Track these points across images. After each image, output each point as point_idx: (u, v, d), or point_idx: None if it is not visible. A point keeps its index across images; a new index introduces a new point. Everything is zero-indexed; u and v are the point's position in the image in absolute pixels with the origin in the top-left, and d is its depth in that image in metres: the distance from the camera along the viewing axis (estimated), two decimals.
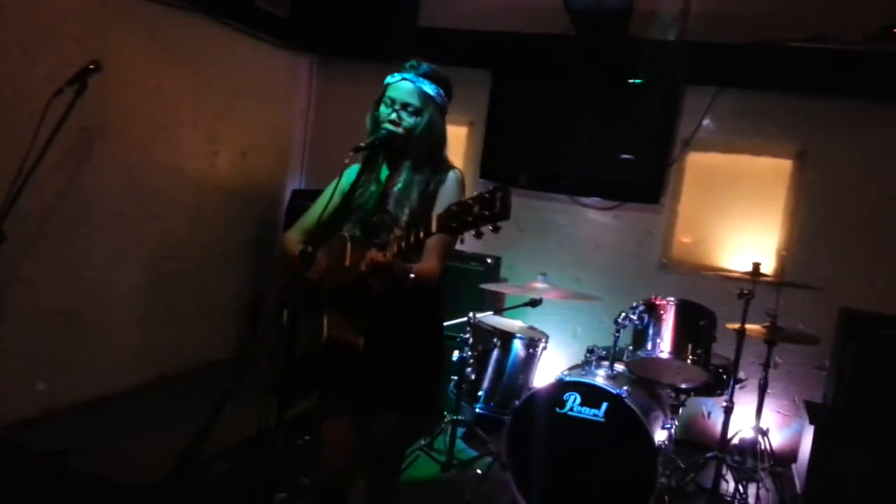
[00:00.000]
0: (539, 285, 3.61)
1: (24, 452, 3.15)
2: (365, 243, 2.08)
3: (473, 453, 3.81)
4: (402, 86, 2.19)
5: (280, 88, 5.16)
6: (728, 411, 3.41)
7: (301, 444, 3.09)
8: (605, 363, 3.43)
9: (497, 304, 4.45)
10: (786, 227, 4.36)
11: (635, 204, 4.63)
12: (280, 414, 1.93)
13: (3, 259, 2.78)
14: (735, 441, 3.80)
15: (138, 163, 3.97)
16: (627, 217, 4.67)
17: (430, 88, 2.19)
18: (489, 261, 4.47)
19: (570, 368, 3.52)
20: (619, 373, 3.39)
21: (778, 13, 4.24)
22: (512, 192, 1.70)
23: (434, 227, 1.78)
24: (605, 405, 3.10)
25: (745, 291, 3.41)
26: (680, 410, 3.61)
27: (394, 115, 2.18)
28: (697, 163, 4.55)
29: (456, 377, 3.60)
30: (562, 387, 3.18)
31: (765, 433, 3.69)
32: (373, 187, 2.24)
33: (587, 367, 3.43)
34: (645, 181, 4.55)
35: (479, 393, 3.63)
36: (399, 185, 2.20)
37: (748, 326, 3.43)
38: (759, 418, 3.64)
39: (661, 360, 3.32)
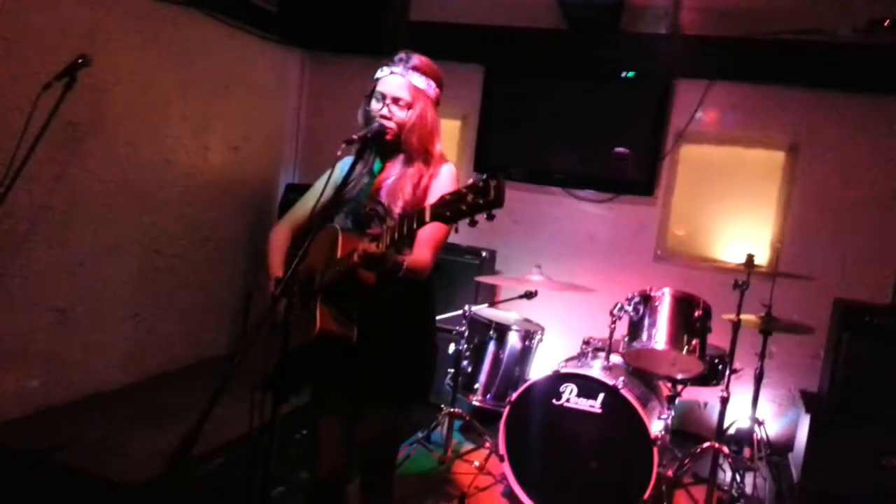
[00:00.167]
0: (534, 277, 3.61)
1: (16, 450, 3.13)
2: (357, 234, 2.07)
3: (470, 445, 3.81)
4: (392, 80, 2.18)
5: (271, 83, 5.14)
6: (724, 401, 3.42)
7: (298, 438, 3.08)
8: (601, 354, 3.43)
9: (492, 297, 4.45)
10: (779, 218, 4.37)
11: (629, 196, 4.64)
12: (275, 408, 1.92)
13: None
14: (731, 431, 3.81)
15: (129, 158, 3.94)
16: (622, 209, 4.68)
17: (419, 81, 2.18)
18: (484, 254, 4.47)
19: (567, 360, 3.52)
20: (615, 364, 3.39)
21: (768, 6, 4.25)
22: (506, 184, 1.69)
23: (427, 217, 1.76)
24: (601, 396, 3.11)
25: (740, 282, 3.42)
26: (676, 401, 3.61)
27: (385, 110, 2.17)
28: (691, 155, 4.57)
29: (452, 370, 3.59)
30: (558, 378, 3.18)
31: (761, 423, 3.71)
32: (365, 180, 2.23)
33: (583, 359, 3.43)
34: (639, 174, 4.56)
35: (476, 385, 3.62)
36: (392, 179, 2.19)
37: (743, 317, 3.44)
38: (755, 408, 3.65)
39: (656, 350, 3.32)
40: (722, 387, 3.44)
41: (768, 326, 3.50)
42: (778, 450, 4.09)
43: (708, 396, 4.31)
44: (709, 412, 4.34)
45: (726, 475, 3.52)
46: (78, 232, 3.71)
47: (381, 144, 2.20)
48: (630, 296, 3.45)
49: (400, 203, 2.13)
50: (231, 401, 1.84)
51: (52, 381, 3.67)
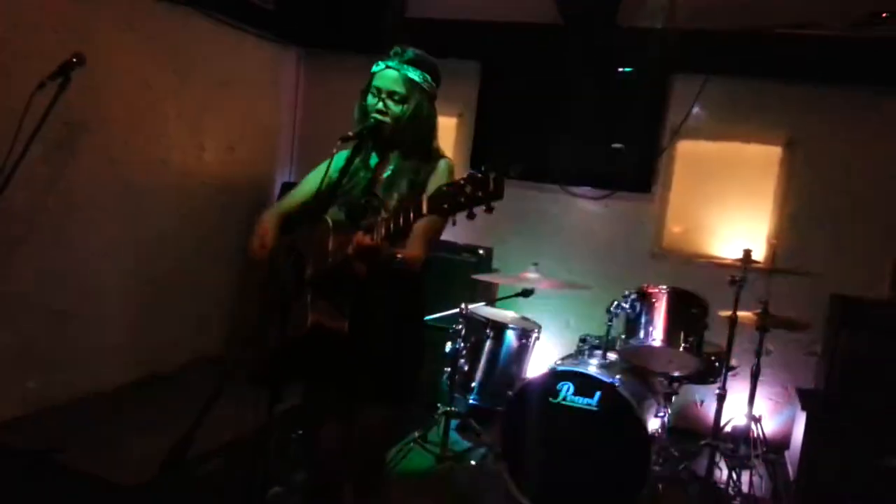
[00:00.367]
0: (531, 275, 3.60)
1: (14, 450, 3.12)
2: (350, 227, 2.05)
3: (467, 445, 3.81)
4: (387, 74, 2.17)
5: (267, 81, 5.12)
6: (721, 399, 3.42)
7: (295, 438, 3.07)
8: (598, 352, 3.43)
9: (489, 295, 4.44)
10: (776, 214, 4.37)
11: (626, 193, 4.63)
12: (271, 408, 1.91)
13: None
14: (728, 429, 3.81)
15: (124, 157, 3.93)
16: (618, 206, 4.67)
17: (415, 75, 2.17)
18: (481, 251, 4.46)
19: (563, 358, 3.52)
20: (611, 361, 3.39)
21: (765, 0, 4.23)
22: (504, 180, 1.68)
23: (425, 208, 1.75)
24: (598, 394, 3.10)
25: (737, 278, 3.41)
26: (673, 398, 3.61)
27: (380, 105, 2.16)
28: (687, 151, 4.55)
29: (449, 368, 3.58)
30: (555, 376, 3.18)
31: (757, 420, 3.71)
32: (361, 174, 2.22)
33: (580, 357, 3.43)
34: (635, 170, 4.55)
35: (473, 384, 3.62)
36: (388, 173, 2.18)
37: (740, 314, 3.43)
38: (752, 405, 3.65)
39: (653, 348, 3.32)
40: (719, 384, 3.45)
41: (765, 323, 3.50)
42: (774, 447, 4.08)
43: (704, 394, 4.32)
44: (705, 410, 4.34)
45: (723, 473, 3.52)
46: (74, 232, 3.70)
47: (378, 139, 2.19)
48: (627, 293, 3.45)
49: (395, 197, 2.12)
50: (227, 401, 1.84)
51: (49, 382, 3.67)
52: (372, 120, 2.14)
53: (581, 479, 3.09)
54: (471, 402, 3.63)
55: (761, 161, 4.42)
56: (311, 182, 2.26)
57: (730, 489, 3.41)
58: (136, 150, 4.01)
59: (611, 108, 4.57)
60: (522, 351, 3.66)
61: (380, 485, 2.32)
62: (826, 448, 3.50)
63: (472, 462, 3.50)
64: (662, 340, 3.29)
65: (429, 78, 2.22)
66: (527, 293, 3.62)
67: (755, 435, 3.66)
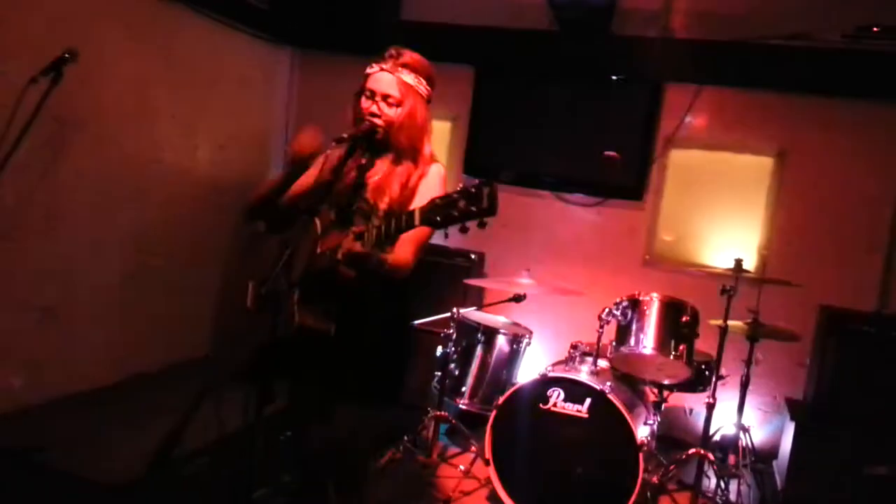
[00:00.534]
0: (523, 281, 3.59)
1: None
2: (339, 230, 2.04)
3: (456, 449, 3.80)
4: (382, 77, 2.17)
5: (260, 81, 5.10)
6: (710, 408, 3.42)
7: (282, 439, 3.05)
8: (589, 359, 3.42)
9: (481, 300, 4.43)
10: (767, 224, 4.38)
11: (618, 200, 4.64)
12: (260, 409, 1.90)
13: None
14: (717, 437, 3.82)
15: (115, 155, 3.90)
16: (610, 213, 4.68)
17: (409, 78, 2.17)
18: (473, 256, 4.46)
19: (554, 364, 3.51)
20: (602, 368, 3.38)
21: (758, 11, 4.26)
22: (497, 188, 1.67)
23: (417, 220, 1.74)
24: (588, 401, 3.09)
25: (728, 288, 3.42)
26: (662, 407, 3.61)
27: (374, 107, 2.15)
28: (679, 160, 4.57)
29: (439, 372, 3.57)
30: (545, 382, 3.17)
31: (746, 430, 3.71)
32: (353, 175, 2.21)
33: (571, 363, 3.42)
34: (628, 178, 4.55)
35: (463, 388, 3.60)
36: (379, 176, 2.18)
37: (730, 323, 3.44)
38: (741, 415, 3.65)
39: (644, 355, 3.32)
40: (708, 393, 3.45)
41: (755, 333, 3.51)
42: (763, 457, 4.09)
43: (694, 403, 4.32)
44: (694, 418, 4.35)
45: (711, 482, 3.52)
46: (62, 230, 3.66)
47: (371, 141, 2.19)
48: (618, 300, 3.45)
49: (386, 200, 2.11)
50: (215, 401, 1.83)
51: (34, 380, 3.62)
52: (366, 123, 2.13)
53: (570, 485, 3.08)
54: (460, 406, 3.62)
55: (753, 171, 4.44)
56: (309, 178, 2.25)
57: (718, 498, 3.41)
58: (128, 148, 3.98)
59: (604, 115, 4.58)
60: (513, 356, 3.65)
61: (361, 485, 2.30)
62: (814, 458, 3.51)
63: (461, 467, 3.48)
64: (653, 348, 3.29)
65: (424, 81, 2.21)
66: (518, 298, 3.61)
67: (743, 444, 3.67)
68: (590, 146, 4.58)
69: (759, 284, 3.67)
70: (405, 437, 3.64)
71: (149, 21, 3.97)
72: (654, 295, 3.39)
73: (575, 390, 3.12)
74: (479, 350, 3.63)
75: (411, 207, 2.09)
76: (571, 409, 3.11)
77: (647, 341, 3.31)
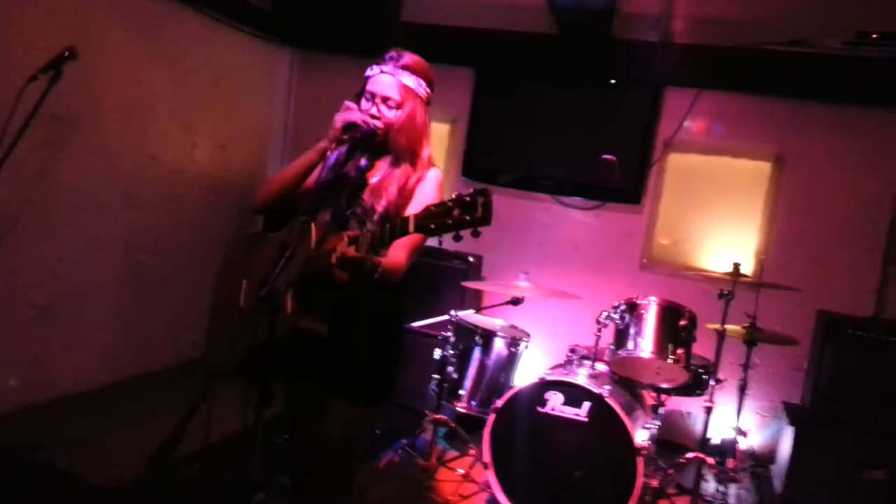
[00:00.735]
0: (521, 284, 3.59)
1: None
2: (334, 232, 2.03)
3: (455, 453, 3.78)
4: (382, 79, 2.16)
5: (260, 81, 5.09)
6: (708, 412, 3.42)
7: (279, 442, 3.03)
8: (587, 362, 3.42)
9: (479, 303, 4.43)
10: (765, 229, 4.39)
11: (616, 204, 4.64)
12: (259, 411, 1.89)
13: None
14: (715, 441, 3.81)
15: (114, 153, 3.89)
16: (608, 217, 4.68)
17: (410, 81, 2.16)
18: (471, 259, 4.46)
19: (552, 367, 3.51)
20: (600, 372, 3.39)
21: (759, 17, 4.26)
22: (493, 191, 1.69)
23: (411, 228, 1.74)
24: (586, 404, 3.09)
25: (726, 292, 3.42)
26: (660, 410, 3.61)
27: (374, 109, 2.15)
28: (678, 164, 4.57)
29: (437, 376, 3.56)
30: (543, 386, 3.16)
31: (744, 434, 3.71)
32: (351, 177, 2.20)
33: (569, 367, 3.42)
34: (626, 182, 4.55)
35: (461, 392, 3.59)
36: (377, 178, 2.17)
37: (728, 327, 3.44)
38: (739, 419, 3.65)
39: (642, 359, 3.32)
40: (706, 397, 3.45)
41: (753, 337, 3.51)
42: (761, 461, 4.10)
43: (691, 406, 4.32)
44: (692, 422, 4.35)
45: (710, 486, 3.52)
46: (60, 227, 3.65)
47: (370, 144, 2.18)
48: (616, 304, 3.45)
49: (383, 203, 2.11)
50: (214, 402, 1.81)
51: (32, 379, 3.60)
52: (361, 128, 2.13)
53: (568, 490, 3.07)
54: (458, 409, 3.61)
55: (751, 176, 4.45)
56: (310, 179, 2.25)
57: (716, 502, 3.41)
58: (127, 147, 3.96)
59: (603, 118, 4.59)
60: (511, 359, 3.64)
61: (350, 487, 2.29)
62: (812, 462, 3.52)
63: (459, 470, 3.47)
64: (651, 352, 3.29)
65: (424, 85, 2.21)
66: (516, 301, 3.60)
67: (742, 449, 3.67)
68: (588, 150, 4.58)
69: (756, 289, 3.67)
70: (404, 441, 3.63)
71: (149, 20, 3.96)
72: (652, 299, 3.39)
73: (573, 394, 3.12)
74: (477, 353, 3.62)
75: (407, 212, 2.09)
76: (570, 412, 3.11)
77: (644, 345, 3.31)
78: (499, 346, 3.63)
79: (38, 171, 3.46)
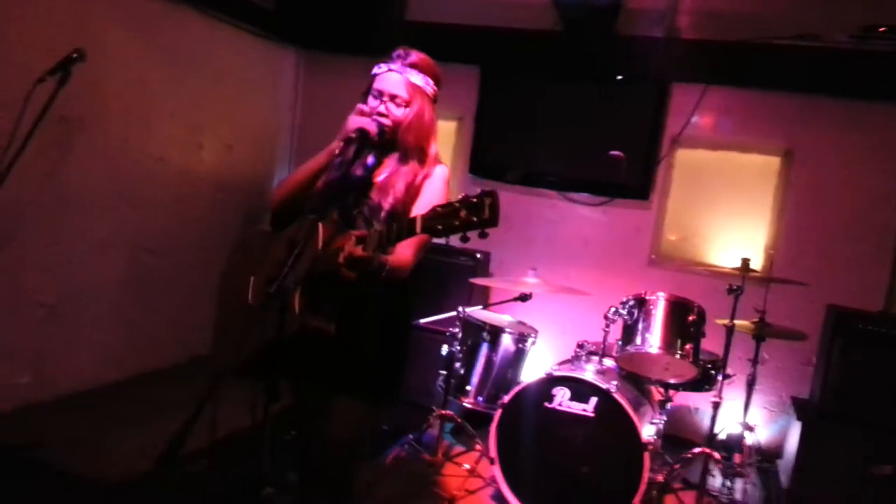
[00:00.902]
0: (529, 280, 3.59)
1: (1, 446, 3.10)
2: (343, 229, 2.05)
3: (461, 448, 3.80)
4: (390, 77, 2.17)
5: (266, 81, 5.11)
6: (716, 407, 3.42)
7: (287, 438, 3.05)
8: (595, 358, 3.43)
9: (486, 299, 4.44)
10: (773, 224, 4.38)
11: (624, 200, 4.63)
12: (267, 407, 1.90)
13: None
14: (722, 437, 3.81)
15: (121, 154, 3.91)
16: (616, 213, 4.67)
17: (417, 79, 2.17)
18: (479, 256, 4.46)
19: (560, 363, 3.51)
20: (608, 368, 3.39)
21: (764, 11, 4.25)
22: (501, 188, 1.69)
23: (418, 228, 1.75)
24: (594, 400, 3.10)
25: (735, 287, 3.42)
26: (668, 405, 3.61)
27: (382, 108, 2.16)
28: (686, 159, 4.57)
29: (444, 371, 3.57)
30: (551, 381, 3.17)
31: (752, 429, 3.71)
32: (359, 175, 2.21)
33: (576, 362, 3.42)
34: (634, 178, 4.55)
35: (468, 387, 3.61)
36: (384, 175, 2.18)
37: (737, 322, 3.44)
38: (747, 414, 3.65)
39: (650, 355, 3.32)
40: (714, 392, 3.44)
41: (762, 332, 3.50)
42: (768, 456, 4.09)
43: (699, 402, 4.31)
44: (699, 417, 4.34)
45: (716, 481, 3.52)
46: (67, 228, 3.68)
47: (378, 142, 2.19)
48: (624, 299, 3.45)
49: (390, 200, 2.12)
50: (221, 399, 1.82)
51: (38, 378, 3.63)
52: (374, 124, 2.14)
53: (575, 485, 3.08)
54: (465, 405, 3.62)
55: (759, 171, 4.43)
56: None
57: (723, 497, 3.41)
58: (134, 148, 3.99)
59: (610, 115, 4.58)
60: (519, 355, 3.65)
61: (354, 486, 2.31)
62: (820, 457, 3.51)
63: (466, 466, 3.48)
64: (659, 347, 3.29)
65: (431, 83, 2.21)
66: (524, 298, 3.61)
67: (749, 443, 3.66)
68: (595, 146, 4.57)
69: (765, 284, 3.66)
70: (410, 436, 3.65)
71: (154, 21, 3.98)
72: (661, 294, 3.39)
73: (581, 389, 3.12)
74: (484, 349, 3.63)
75: (414, 209, 2.10)
76: (577, 408, 3.11)
77: (653, 340, 3.31)
78: (506, 342, 3.64)
79: (46, 173, 3.49)
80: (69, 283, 3.74)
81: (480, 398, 3.60)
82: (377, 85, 2.18)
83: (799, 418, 3.68)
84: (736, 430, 3.75)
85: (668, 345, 3.29)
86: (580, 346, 3.58)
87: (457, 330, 3.58)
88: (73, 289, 3.77)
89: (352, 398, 2.18)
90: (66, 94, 2.78)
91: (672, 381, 3.49)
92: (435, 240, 2.17)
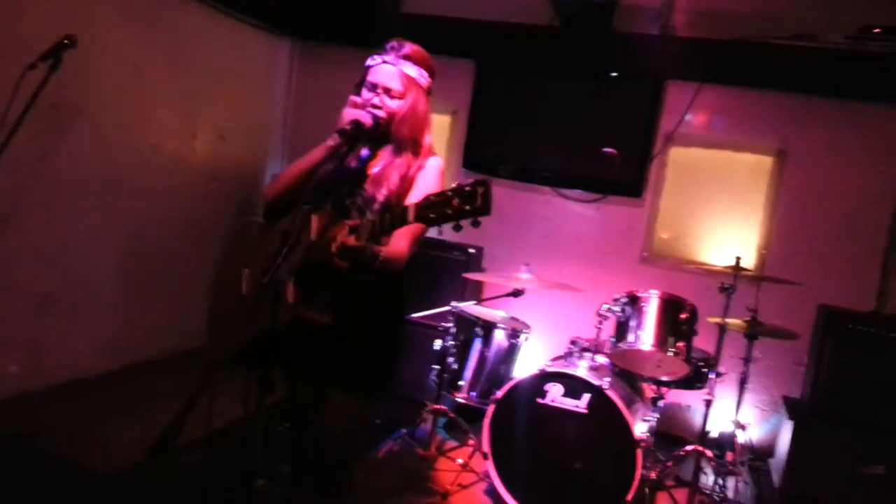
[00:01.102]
0: (522, 276, 3.59)
1: None
2: (336, 220, 2.03)
3: (454, 443, 3.79)
4: (384, 69, 2.15)
5: (260, 71, 5.08)
6: (708, 405, 3.42)
7: (280, 430, 3.04)
8: (588, 354, 3.42)
9: (479, 294, 4.43)
10: (766, 223, 4.39)
11: (617, 197, 4.63)
12: (260, 399, 1.88)
13: None
14: (714, 435, 3.82)
15: (114, 142, 3.87)
16: (609, 210, 4.68)
17: (412, 71, 2.15)
18: (472, 251, 4.45)
19: (553, 359, 3.51)
20: (601, 364, 3.39)
21: (761, 10, 4.26)
22: (494, 183, 1.68)
23: (411, 217, 1.74)
24: (586, 396, 3.09)
25: (727, 286, 3.42)
26: (660, 403, 3.61)
27: (376, 100, 2.14)
28: (679, 157, 4.57)
29: (437, 366, 3.56)
30: (544, 377, 3.17)
31: (743, 427, 3.71)
32: (353, 166, 2.19)
33: (569, 358, 3.42)
34: (627, 175, 4.55)
35: (461, 382, 3.60)
36: (378, 168, 2.17)
37: (729, 321, 3.44)
38: (739, 412, 3.65)
39: (642, 352, 3.32)
40: (706, 390, 3.45)
41: (753, 331, 3.51)
42: (760, 454, 4.11)
43: (691, 400, 4.32)
44: (691, 415, 4.35)
45: (708, 478, 3.53)
46: (60, 216, 3.64)
47: (372, 134, 2.17)
48: (617, 296, 3.45)
49: (384, 192, 2.10)
50: (215, 390, 1.81)
51: (31, 367, 3.60)
52: (368, 117, 2.12)
53: (567, 481, 3.08)
54: (458, 400, 3.62)
55: (752, 170, 4.44)
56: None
57: (715, 495, 3.41)
58: (126, 136, 3.95)
59: (604, 111, 4.58)
60: (511, 351, 3.64)
61: (349, 478, 2.29)
62: (811, 456, 3.52)
63: (459, 460, 3.47)
64: (652, 345, 3.29)
65: (425, 74, 2.20)
66: (517, 293, 3.60)
67: (741, 442, 3.67)
68: (589, 142, 4.57)
69: (757, 283, 3.67)
70: (403, 431, 3.64)
71: (149, 8, 3.94)
72: (654, 292, 3.39)
73: (573, 386, 3.12)
74: (477, 344, 3.62)
75: (408, 200, 2.08)
76: (570, 404, 3.11)
77: (645, 338, 3.31)
78: (499, 337, 3.63)
79: (37, 160, 3.45)
80: (63, 272, 3.71)
81: (473, 393, 3.60)
82: (371, 77, 2.16)
83: (790, 417, 3.69)
84: (728, 428, 3.76)
85: (661, 342, 3.29)
86: (573, 342, 3.57)
87: (450, 325, 3.57)
88: (66, 277, 3.73)
89: (345, 391, 2.17)
90: (58, 81, 2.74)
91: (664, 378, 3.49)
92: (428, 234, 2.17)
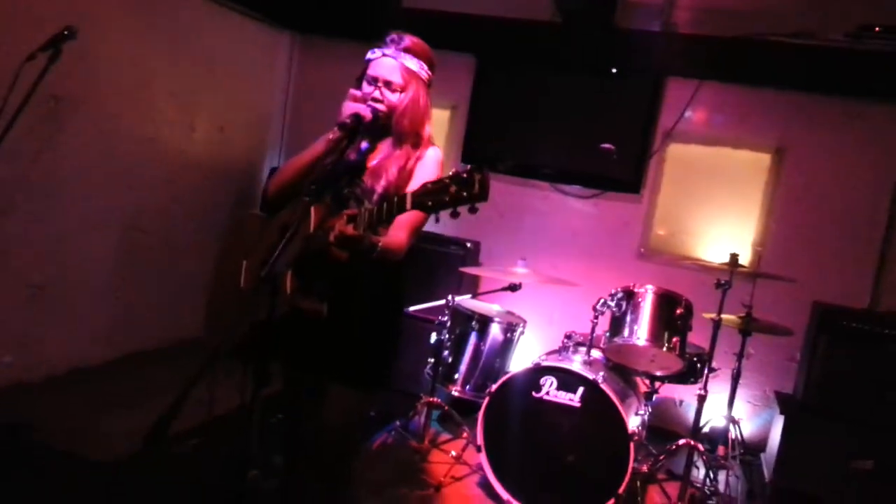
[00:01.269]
0: (518, 270, 3.60)
1: None
2: (334, 212, 2.04)
3: (448, 435, 3.82)
4: (384, 62, 2.15)
5: (259, 64, 5.08)
6: (701, 400, 3.44)
7: (274, 421, 3.06)
8: (582, 349, 3.44)
9: (476, 288, 4.45)
10: (762, 220, 4.40)
11: (615, 193, 4.65)
12: (256, 390, 1.90)
13: None
14: (706, 429, 3.85)
15: (112, 133, 3.88)
16: (607, 206, 4.69)
17: (412, 63, 2.16)
18: (469, 244, 4.46)
19: (548, 353, 3.53)
20: (595, 359, 3.40)
21: (761, 8, 4.26)
22: (493, 177, 1.69)
23: (408, 205, 1.75)
24: (580, 390, 3.11)
25: (723, 282, 3.44)
26: (654, 397, 3.64)
27: (377, 93, 2.15)
28: (678, 154, 4.58)
29: (433, 359, 3.58)
30: (538, 371, 3.19)
31: (736, 422, 3.74)
32: (352, 158, 2.20)
33: (564, 353, 3.44)
34: (625, 171, 4.56)
35: (456, 376, 3.62)
36: (378, 160, 2.18)
37: (724, 316, 3.46)
38: (731, 407, 3.68)
39: (637, 347, 3.34)
40: (699, 385, 3.47)
41: (748, 327, 3.53)
42: (751, 449, 4.14)
43: (684, 394, 4.35)
44: (684, 410, 4.38)
45: (700, 472, 3.55)
46: (57, 207, 3.65)
47: (372, 127, 2.18)
48: (613, 291, 3.47)
49: (382, 183, 2.11)
50: (210, 380, 1.82)
51: (26, 357, 3.62)
52: (369, 110, 2.13)
53: (560, 473, 3.10)
54: (453, 393, 3.64)
55: (750, 167, 4.45)
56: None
57: (706, 489, 3.44)
58: (125, 127, 3.96)
59: (604, 107, 4.59)
60: (507, 344, 3.67)
61: (347, 470, 2.31)
62: (802, 451, 3.55)
63: (453, 453, 3.50)
64: (647, 340, 3.30)
65: (426, 67, 2.20)
66: (514, 287, 3.62)
67: (733, 436, 3.70)
68: (588, 138, 4.58)
69: (753, 279, 3.69)
70: (397, 423, 3.66)
71: (149, 0, 3.94)
72: (649, 287, 3.41)
73: (568, 379, 3.14)
74: (472, 338, 3.64)
75: (406, 191, 2.10)
76: (564, 398, 3.13)
77: (640, 333, 3.32)
78: (495, 331, 3.66)
79: (36, 151, 3.46)
80: (59, 263, 3.73)
81: (468, 387, 3.62)
82: (371, 70, 2.17)
83: (782, 412, 3.72)
84: (720, 423, 3.78)
85: (656, 337, 3.31)
86: (568, 336, 3.59)
87: (446, 318, 3.59)
88: (63, 268, 3.75)
89: (343, 383, 2.18)
90: (58, 73, 2.75)
91: (658, 373, 3.51)
92: (426, 227, 2.18)
